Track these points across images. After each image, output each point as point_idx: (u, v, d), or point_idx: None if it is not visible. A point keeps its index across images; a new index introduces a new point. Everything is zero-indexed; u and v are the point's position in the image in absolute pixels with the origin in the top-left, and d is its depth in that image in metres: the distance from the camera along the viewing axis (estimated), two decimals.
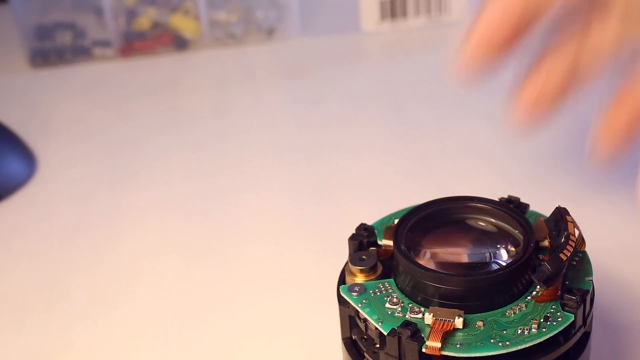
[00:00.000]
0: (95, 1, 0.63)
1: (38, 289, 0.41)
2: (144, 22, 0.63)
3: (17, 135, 0.52)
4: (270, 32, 0.64)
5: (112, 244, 0.44)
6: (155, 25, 0.64)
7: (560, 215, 0.29)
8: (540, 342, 0.26)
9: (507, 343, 0.26)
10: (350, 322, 0.29)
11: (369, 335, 0.29)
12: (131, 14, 0.64)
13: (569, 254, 0.27)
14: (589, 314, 0.28)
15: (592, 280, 0.28)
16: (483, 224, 0.30)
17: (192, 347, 0.36)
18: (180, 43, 0.64)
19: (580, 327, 0.28)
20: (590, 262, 0.29)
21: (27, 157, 0.51)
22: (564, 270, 0.27)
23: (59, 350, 0.37)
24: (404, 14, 0.64)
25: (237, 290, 0.40)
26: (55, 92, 0.60)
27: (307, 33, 0.64)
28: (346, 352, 0.30)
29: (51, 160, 0.52)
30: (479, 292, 0.27)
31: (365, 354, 0.29)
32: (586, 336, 0.29)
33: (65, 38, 0.63)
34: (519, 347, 0.26)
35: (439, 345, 0.26)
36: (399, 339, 0.26)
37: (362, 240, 0.30)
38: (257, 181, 0.48)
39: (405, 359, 0.27)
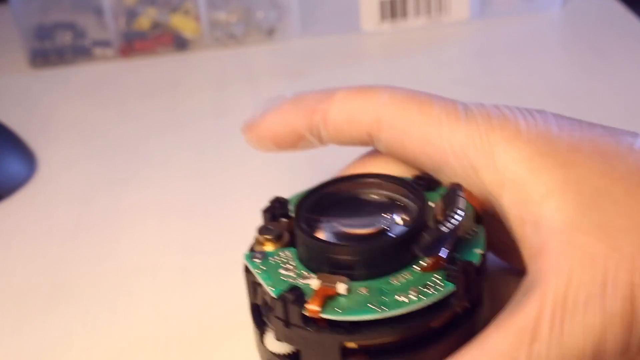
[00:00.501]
0: (95, 1, 0.63)
1: (38, 289, 0.41)
2: (144, 22, 0.63)
3: (17, 135, 0.53)
4: (270, 32, 0.64)
5: (112, 244, 0.44)
6: (155, 25, 0.64)
7: (454, 190, 0.29)
8: (419, 310, 0.27)
9: (383, 308, 0.27)
10: (255, 289, 0.31)
11: (266, 300, 0.30)
12: (131, 14, 0.64)
13: (451, 227, 0.27)
14: (475, 287, 0.29)
15: (481, 253, 0.29)
16: (385, 199, 0.31)
17: (192, 347, 0.36)
18: (180, 43, 0.64)
19: (464, 297, 0.28)
20: (484, 237, 0.29)
21: (27, 157, 0.51)
22: (449, 241, 0.28)
23: (59, 351, 0.37)
24: (404, 14, 0.64)
25: (237, 291, 0.39)
26: (55, 92, 0.60)
27: (307, 33, 0.64)
28: (252, 317, 0.31)
29: (51, 160, 0.52)
30: (364, 261, 0.28)
31: (264, 318, 0.30)
32: (474, 309, 0.29)
33: (65, 38, 0.63)
34: (394, 313, 0.27)
35: (317, 308, 0.27)
36: (285, 302, 0.28)
37: (275, 212, 0.32)
38: (257, 181, 0.48)
39: (291, 321, 0.28)
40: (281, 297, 0.28)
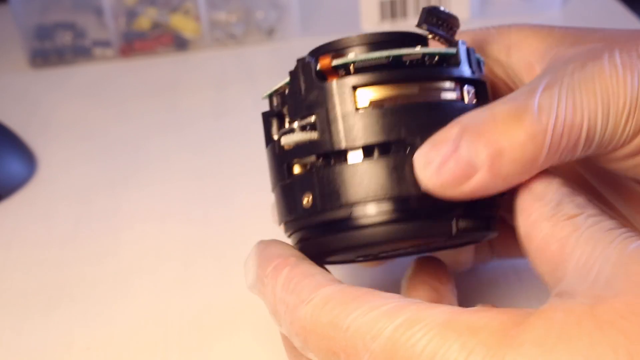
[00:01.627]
0: (95, 1, 0.63)
1: (38, 289, 0.41)
2: (144, 22, 0.64)
3: (17, 135, 0.53)
4: (270, 32, 0.64)
5: (112, 244, 0.44)
6: (155, 25, 0.64)
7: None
8: (426, 64, 0.30)
9: (387, 52, 0.30)
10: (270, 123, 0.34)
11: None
12: (131, 14, 0.64)
13: (447, 12, 0.31)
14: (477, 72, 0.31)
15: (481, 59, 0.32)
16: None
17: (192, 347, 0.36)
18: (180, 43, 0.64)
19: (463, 70, 0.31)
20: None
21: (27, 157, 0.51)
22: (448, 31, 0.31)
23: (59, 351, 0.37)
24: (404, 14, 0.64)
25: (237, 291, 0.40)
26: (55, 92, 0.60)
27: (307, 33, 0.64)
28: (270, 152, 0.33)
29: (51, 160, 0.52)
30: (370, 43, 0.31)
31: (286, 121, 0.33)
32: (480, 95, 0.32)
33: (65, 38, 0.64)
34: (397, 53, 0.30)
35: (328, 61, 0.30)
36: (300, 67, 0.32)
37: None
38: (257, 181, 0.48)
39: (306, 83, 0.31)
40: (298, 64, 0.32)
